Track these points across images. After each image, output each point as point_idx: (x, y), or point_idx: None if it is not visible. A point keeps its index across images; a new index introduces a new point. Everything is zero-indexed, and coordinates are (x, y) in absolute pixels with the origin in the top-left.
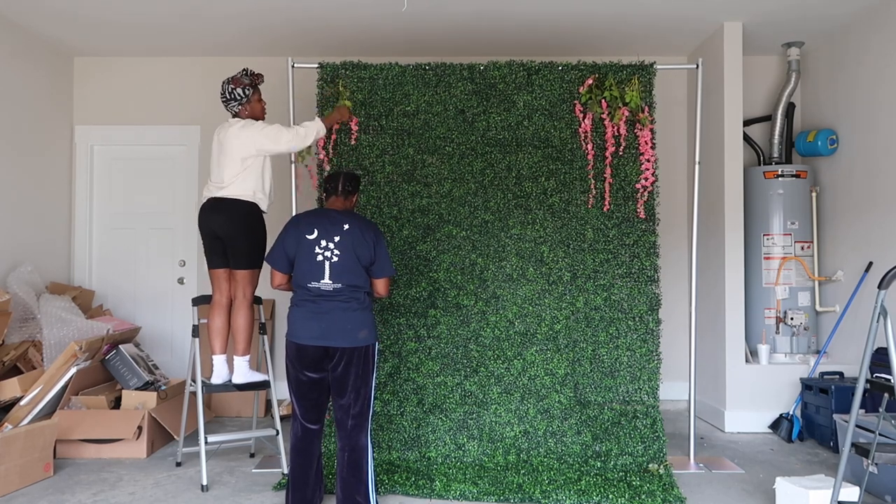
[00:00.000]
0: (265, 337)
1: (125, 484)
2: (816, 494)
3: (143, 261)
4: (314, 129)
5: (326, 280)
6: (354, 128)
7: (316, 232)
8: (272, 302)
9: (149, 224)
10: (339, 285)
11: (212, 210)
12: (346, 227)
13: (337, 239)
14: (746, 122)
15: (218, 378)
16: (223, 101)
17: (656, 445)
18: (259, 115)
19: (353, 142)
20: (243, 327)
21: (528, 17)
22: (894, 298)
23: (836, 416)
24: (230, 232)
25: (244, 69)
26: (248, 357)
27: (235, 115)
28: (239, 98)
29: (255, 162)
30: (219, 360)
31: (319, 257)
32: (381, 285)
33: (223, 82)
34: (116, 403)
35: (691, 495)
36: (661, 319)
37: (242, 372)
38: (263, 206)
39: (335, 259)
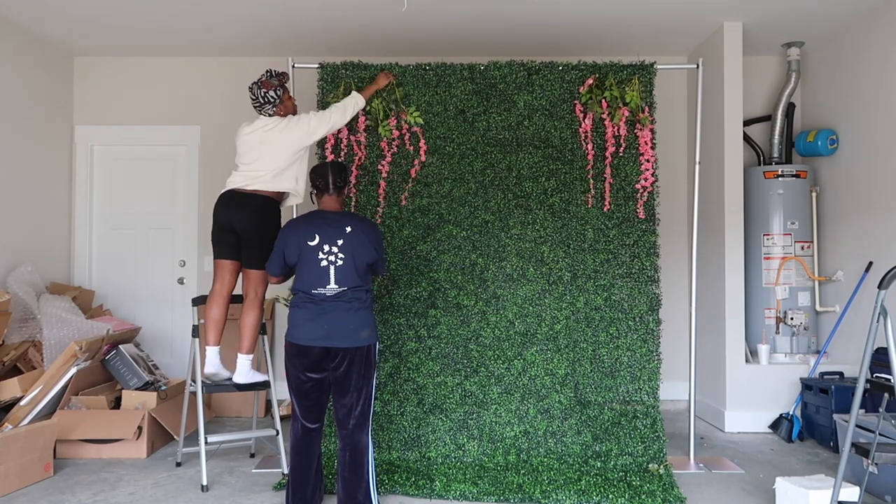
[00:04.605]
0: (265, 337)
1: (125, 484)
2: (816, 494)
3: (143, 261)
4: (352, 104)
5: (332, 285)
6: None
7: (318, 238)
8: (272, 302)
9: (149, 224)
10: (344, 288)
11: (233, 204)
12: (349, 229)
13: (340, 243)
14: (746, 122)
15: (210, 367)
16: (256, 107)
17: (656, 445)
18: (292, 112)
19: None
20: (251, 326)
21: (528, 17)
22: (894, 298)
23: (836, 416)
24: (248, 230)
25: (268, 70)
26: (251, 356)
27: (270, 117)
28: (272, 100)
29: (304, 153)
30: (211, 352)
31: (324, 262)
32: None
33: (251, 87)
34: (116, 403)
35: (691, 495)
36: (662, 319)
37: (244, 371)
38: (301, 194)
39: (339, 263)
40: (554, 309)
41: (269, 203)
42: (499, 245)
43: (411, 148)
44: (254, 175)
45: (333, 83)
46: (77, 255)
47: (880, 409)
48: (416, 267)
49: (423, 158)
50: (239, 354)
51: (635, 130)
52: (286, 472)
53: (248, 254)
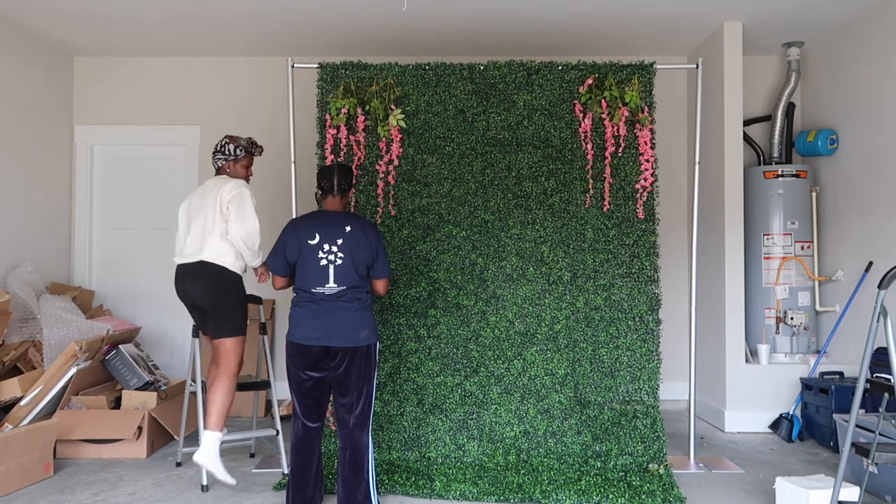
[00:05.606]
0: (265, 337)
1: (125, 484)
2: (816, 494)
3: (143, 261)
4: (258, 261)
5: (331, 284)
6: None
7: (318, 237)
8: (272, 302)
9: (149, 224)
10: (343, 287)
11: (186, 277)
12: (348, 229)
13: (339, 242)
14: (746, 122)
15: (202, 455)
16: (212, 153)
17: (656, 445)
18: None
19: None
20: (222, 403)
21: (528, 17)
22: (894, 298)
23: (836, 416)
24: (209, 300)
25: (250, 138)
26: (220, 434)
27: (218, 171)
28: (227, 154)
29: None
30: (210, 438)
31: (323, 261)
32: (380, 286)
33: (224, 137)
34: (116, 403)
35: (691, 495)
36: (661, 319)
37: (211, 456)
38: (238, 270)
39: (339, 262)
40: (554, 309)
41: (226, 269)
42: (498, 245)
43: (383, 144)
44: (189, 252)
45: (333, 83)
46: (77, 255)
47: (880, 409)
48: (416, 267)
49: (395, 162)
50: (205, 431)
51: (635, 130)
52: (286, 471)
53: (216, 324)
